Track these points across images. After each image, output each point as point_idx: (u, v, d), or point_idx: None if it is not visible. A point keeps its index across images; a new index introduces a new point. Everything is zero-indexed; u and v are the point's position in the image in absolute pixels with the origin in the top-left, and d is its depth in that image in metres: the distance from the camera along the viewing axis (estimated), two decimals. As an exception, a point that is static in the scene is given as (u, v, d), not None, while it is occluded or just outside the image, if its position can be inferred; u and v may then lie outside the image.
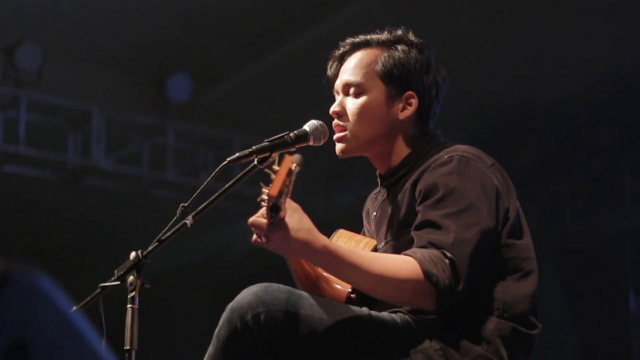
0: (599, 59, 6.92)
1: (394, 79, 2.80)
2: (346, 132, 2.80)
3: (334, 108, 2.83)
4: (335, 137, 2.82)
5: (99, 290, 2.83)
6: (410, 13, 6.36)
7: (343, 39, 2.92)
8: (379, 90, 2.81)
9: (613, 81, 7.03)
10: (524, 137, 7.61)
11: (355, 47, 2.87)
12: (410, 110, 2.81)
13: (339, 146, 2.82)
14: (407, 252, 2.53)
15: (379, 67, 2.81)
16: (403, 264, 2.49)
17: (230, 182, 2.72)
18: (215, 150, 7.95)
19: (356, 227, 2.96)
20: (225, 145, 7.83)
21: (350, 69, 2.84)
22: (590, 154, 7.39)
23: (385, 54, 2.82)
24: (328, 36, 3.29)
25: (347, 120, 2.81)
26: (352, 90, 2.82)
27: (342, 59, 2.89)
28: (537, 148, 7.63)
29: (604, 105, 7.24)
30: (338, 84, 2.86)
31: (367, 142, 2.81)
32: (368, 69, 2.82)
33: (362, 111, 2.79)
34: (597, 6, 6.48)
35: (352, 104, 2.81)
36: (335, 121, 2.83)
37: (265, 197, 2.29)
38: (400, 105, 2.81)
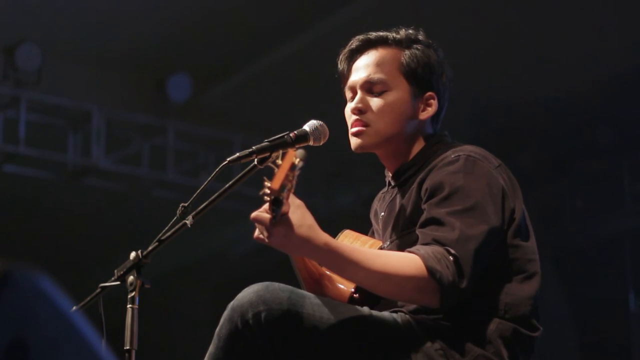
0: (599, 59, 6.92)
1: (417, 79, 2.79)
2: (367, 128, 2.78)
3: (356, 104, 2.80)
4: (353, 130, 2.80)
5: (99, 290, 2.83)
6: (410, 13, 6.35)
7: (343, 40, 2.90)
8: (403, 89, 2.79)
9: (613, 81, 7.03)
10: (524, 137, 7.60)
11: (371, 44, 2.85)
12: (430, 112, 2.80)
13: (356, 141, 2.79)
14: (411, 249, 2.53)
15: (403, 65, 2.79)
16: (406, 261, 2.48)
17: (230, 182, 2.72)
18: (215, 150, 7.95)
19: (356, 227, 2.96)
20: (225, 145, 7.83)
21: (371, 66, 2.81)
22: (590, 154, 7.40)
23: (408, 53, 2.81)
24: (328, 36, 3.29)
25: (371, 116, 2.78)
26: (375, 87, 2.80)
27: (354, 55, 2.87)
28: (537, 148, 7.63)
29: (604, 105, 7.24)
30: (356, 81, 2.83)
31: (387, 139, 2.78)
32: (392, 67, 2.80)
33: (389, 109, 2.77)
34: (598, 6, 6.48)
35: (378, 101, 2.78)
36: (356, 117, 2.79)
37: (267, 190, 2.28)
38: (421, 105, 2.80)
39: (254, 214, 2.38)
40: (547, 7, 6.62)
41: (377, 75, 2.79)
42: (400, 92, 2.79)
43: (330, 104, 2.85)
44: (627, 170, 7.31)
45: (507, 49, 6.97)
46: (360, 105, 2.79)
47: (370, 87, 2.80)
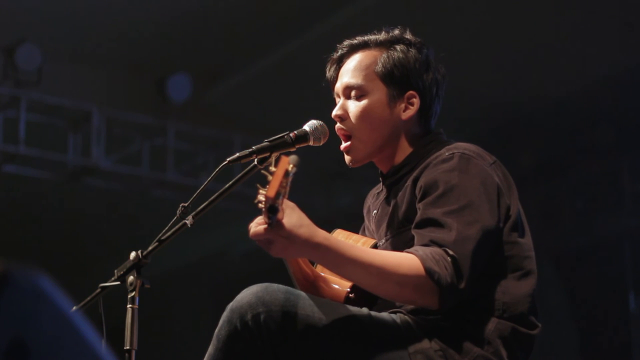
0: (598, 59, 6.92)
1: (394, 80, 2.80)
2: (352, 141, 2.80)
3: (336, 112, 2.83)
4: (342, 147, 2.82)
5: (99, 290, 2.83)
6: (408, 13, 6.36)
7: (343, 39, 2.91)
8: (380, 91, 2.80)
9: (613, 81, 7.03)
10: (524, 137, 7.61)
11: (354, 49, 2.86)
12: (412, 110, 2.81)
13: (347, 157, 2.83)
14: (409, 249, 2.53)
15: (379, 68, 2.80)
16: (405, 261, 2.48)
17: (230, 182, 2.72)
18: (215, 150, 7.95)
19: (356, 227, 2.96)
20: (225, 145, 7.84)
21: (350, 72, 2.83)
22: (590, 154, 7.40)
23: (385, 55, 2.81)
24: (328, 36, 3.29)
25: (350, 124, 2.80)
26: (353, 93, 2.81)
27: (340, 61, 2.88)
28: (537, 148, 7.63)
29: (604, 105, 7.24)
30: (338, 87, 2.85)
31: (375, 148, 2.80)
32: (368, 71, 2.81)
33: (365, 114, 2.79)
34: (597, 6, 6.49)
35: (354, 107, 2.80)
36: (338, 125, 2.82)
37: (262, 198, 2.28)
38: (402, 105, 2.80)
39: (251, 233, 2.36)
40: (547, 7, 6.62)
41: (354, 81, 2.81)
42: (376, 95, 2.80)
43: (330, 104, 2.86)
44: (627, 170, 7.31)
45: (507, 48, 6.97)
46: (339, 112, 2.82)
47: (349, 92, 2.83)
